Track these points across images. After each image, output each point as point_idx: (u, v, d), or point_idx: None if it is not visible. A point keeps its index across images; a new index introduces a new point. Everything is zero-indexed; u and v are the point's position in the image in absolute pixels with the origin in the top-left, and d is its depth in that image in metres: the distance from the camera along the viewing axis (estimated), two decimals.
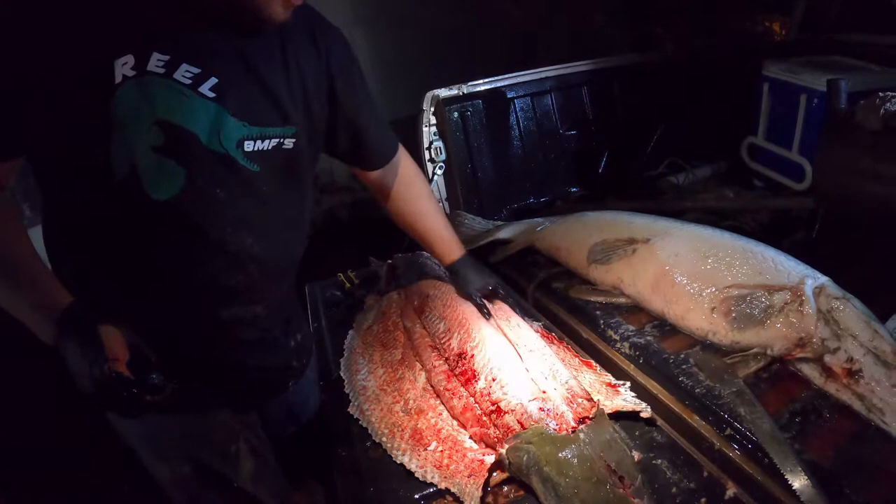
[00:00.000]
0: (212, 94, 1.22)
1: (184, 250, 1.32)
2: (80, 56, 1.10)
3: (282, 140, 1.37)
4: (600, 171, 3.29)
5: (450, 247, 1.92)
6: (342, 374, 1.86)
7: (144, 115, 1.16)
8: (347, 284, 2.50)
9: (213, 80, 1.22)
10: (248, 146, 1.31)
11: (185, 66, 1.18)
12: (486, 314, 1.82)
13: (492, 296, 1.94)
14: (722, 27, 3.85)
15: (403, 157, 1.83)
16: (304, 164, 1.48)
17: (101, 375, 1.13)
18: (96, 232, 1.27)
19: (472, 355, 1.64)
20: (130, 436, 1.49)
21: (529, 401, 1.44)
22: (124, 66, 1.12)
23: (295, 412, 1.91)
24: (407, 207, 1.85)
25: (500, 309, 1.92)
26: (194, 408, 1.47)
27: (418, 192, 1.86)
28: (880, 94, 2.05)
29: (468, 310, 1.85)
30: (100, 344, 1.16)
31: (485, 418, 1.47)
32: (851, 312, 1.60)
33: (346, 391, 1.77)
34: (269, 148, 1.35)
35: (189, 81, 1.19)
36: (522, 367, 1.55)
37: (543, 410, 1.41)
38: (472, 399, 1.54)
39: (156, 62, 1.15)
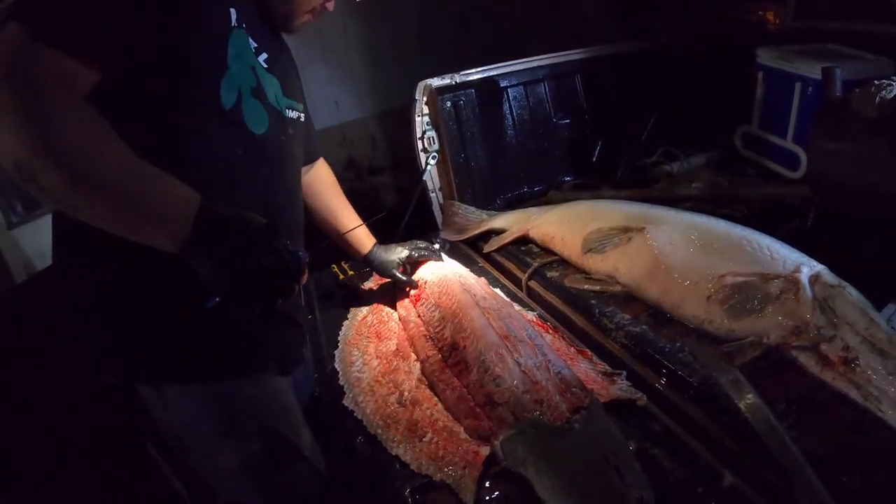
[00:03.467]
0: (266, 66, 1.43)
1: (267, 184, 1.45)
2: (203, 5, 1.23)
3: (301, 115, 1.64)
4: (594, 159, 3.27)
5: (363, 241, 2.13)
6: (336, 366, 1.86)
7: (246, 59, 1.34)
8: (341, 275, 2.50)
9: (266, 55, 1.43)
10: (287, 113, 1.53)
11: (251, 38, 1.37)
12: (412, 286, 2.10)
13: (408, 262, 2.17)
14: (716, 15, 3.83)
15: (324, 164, 2.07)
16: (307, 137, 1.75)
17: (284, 246, 1.21)
18: (193, 162, 1.28)
19: (465, 346, 1.65)
20: (187, 420, 1.42)
21: (522, 392, 1.44)
22: (234, 15, 1.29)
23: (300, 392, 1.76)
24: (323, 203, 2.05)
25: (494, 299, 1.91)
26: (260, 372, 1.48)
27: (334, 192, 2.08)
28: (876, 82, 2.04)
29: (463, 299, 1.84)
30: (265, 224, 1.21)
31: (478, 410, 1.47)
32: (847, 300, 1.60)
33: (341, 383, 1.77)
34: (296, 117, 1.60)
35: (254, 50, 1.39)
36: (514, 359, 1.55)
37: (536, 401, 1.41)
38: (465, 391, 1.54)
39: (244, 25, 1.33)
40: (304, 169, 1.87)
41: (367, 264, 2.17)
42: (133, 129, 1.15)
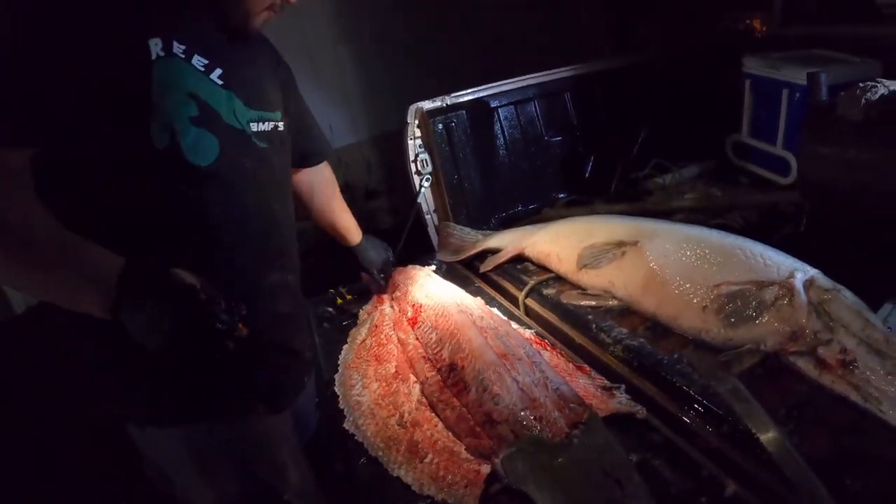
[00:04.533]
0: (220, 82, 1.35)
1: (228, 215, 1.39)
2: (115, 35, 1.19)
3: (276, 123, 1.55)
4: (587, 175, 3.28)
5: (354, 234, 2.31)
6: (336, 389, 1.87)
7: (179, 88, 1.27)
8: (340, 300, 2.51)
9: (220, 70, 1.35)
10: (254, 126, 1.46)
11: (197, 57, 1.31)
12: (381, 288, 2.35)
13: (386, 270, 2.38)
14: (703, 26, 3.87)
15: (327, 164, 2.13)
16: (289, 148, 1.66)
17: (202, 305, 1.16)
18: (137, 209, 1.29)
19: (463, 367, 1.65)
20: (168, 458, 1.46)
21: (521, 409, 1.44)
22: (156, 46, 1.23)
23: (305, 420, 1.82)
24: (325, 204, 2.18)
25: (491, 318, 1.92)
26: (241, 413, 1.46)
27: (335, 192, 2.21)
28: (860, 84, 2.05)
29: (460, 320, 1.85)
30: (186, 282, 1.19)
31: (478, 429, 1.48)
32: (842, 303, 1.60)
33: (342, 407, 1.78)
34: (270, 129, 1.52)
35: (202, 69, 1.32)
36: (512, 377, 1.55)
37: (535, 418, 1.42)
38: (464, 410, 1.55)
39: (178, 49, 1.27)
40: (308, 172, 2.03)
41: (355, 252, 2.35)
42: (73, 189, 1.22)
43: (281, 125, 1.57)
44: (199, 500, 1.47)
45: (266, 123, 1.51)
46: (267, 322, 1.48)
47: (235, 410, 1.45)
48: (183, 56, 1.28)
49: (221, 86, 1.36)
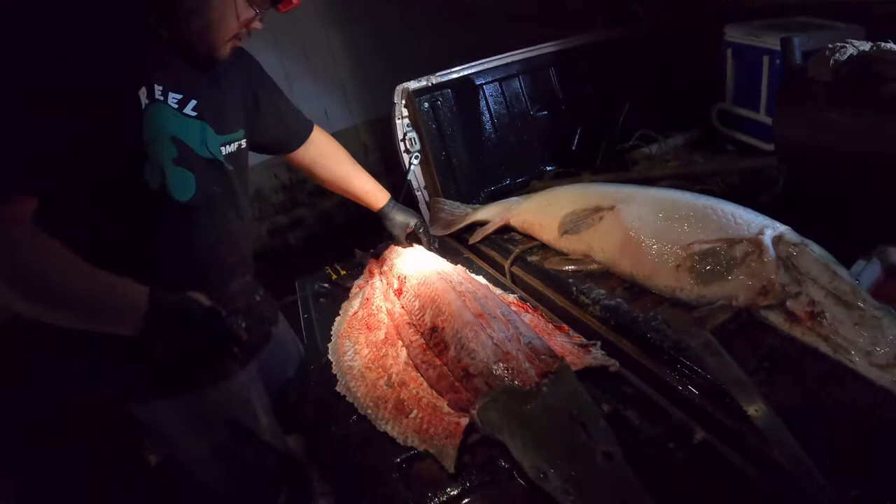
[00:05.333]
0: (194, 113, 1.55)
1: (203, 239, 1.66)
2: (107, 89, 1.34)
3: (240, 142, 1.78)
4: (574, 147, 3.33)
5: (376, 196, 2.38)
6: (330, 357, 1.95)
7: (163, 133, 1.46)
8: (334, 276, 2.58)
9: (194, 102, 1.55)
10: (224, 150, 1.68)
11: (171, 94, 1.48)
12: (408, 245, 2.39)
13: (412, 237, 2.42)
14: None
15: (320, 135, 2.26)
16: (247, 158, 1.87)
17: (227, 320, 1.51)
18: (135, 238, 1.53)
19: (443, 328, 1.72)
20: (171, 424, 1.78)
21: (494, 362, 1.51)
22: (142, 95, 1.40)
23: (282, 364, 2.22)
24: (332, 173, 2.30)
25: (470, 283, 1.99)
26: (221, 378, 1.79)
27: (338, 158, 2.30)
28: (829, 45, 2.09)
29: (440, 286, 1.91)
30: (206, 303, 1.51)
31: (457, 384, 1.55)
32: (809, 257, 1.63)
33: (334, 372, 1.85)
34: (235, 149, 1.74)
35: (176, 106, 1.50)
36: (487, 333, 1.62)
37: (507, 369, 1.48)
38: (445, 368, 1.62)
39: (157, 92, 1.45)
40: (303, 149, 2.19)
41: (381, 216, 2.42)
42: (83, 228, 1.41)
43: (244, 142, 1.80)
44: (195, 453, 1.84)
45: (233, 145, 1.73)
46: (235, 312, 1.64)
47: (217, 378, 1.78)
48: (162, 98, 1.46)
49: (195, 117, 1.56)
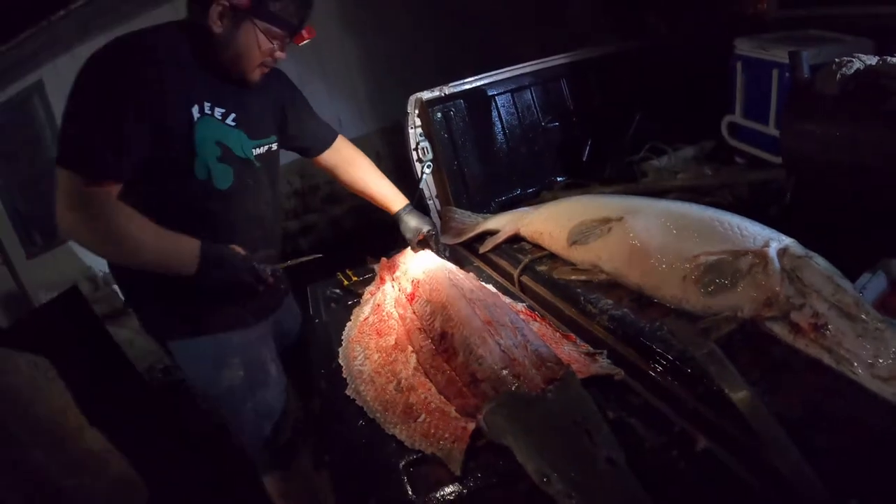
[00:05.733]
0: (233, 123, 1.99)
1: (237, 219, 2.11)
2: (174, 107, 1.82)
3: (271, 145, 2.19)
4: (584, 159, 3.36)
5: (393, 200, 2.58)
6: (340, 361, 2.00)
7: (210, 139, 1.91)
8: (346, 282, 2.62)
9: (233, 115, 1.98)
10: (255, 151, 2.10)
11: (217, 109, 1.93)
12: (418, 249, 2.50)
13: (423, 242, 2.53)
14: (706, 8, 3.86)
15: (344, 143, 2.57)
16: (278, 158, 2.27)
17: (256, 266, 1.99)
18: (188, 216, 1.96)
19: (453, 334, 1.76)
20: (198, 362, 2.17)
21: (501, 368, 1.54)
22: (195, 111, 1.87)
23: (290, 327, 2.61)
24: (353, 177, 2.57)
25: (480, 291, 2.02)
26: (240, 325, 2.18)
27: (359, 164, 2.58)
28: (836, 59, 2.10)
29: (451, 293, 1.95)
30: (244, 253, 2.00)
31: (465, 389, 1.57)
32: (814, 269, 1.64)
33: (344, 376, 1.90)
34: (265, 151, 2.16)
35: (220, 118, 1.94)
36: (495, 340, 1.65)
37: (514, 375, 1.51)
38: (453, 373, 1.65)
39: (206, 108, 1.90)
40: (328, 153, 2.52)
41: (397, 220, 2.57)
42: (152, 206, 1.86)
43: (274, 145, 2.22)
44: (215, 388, 2.17)
45: (263, 147, 2.14)
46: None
47: (238, 325, 2.17)
48: (209, 112, 1.91)
49: (234, 126, 1.99)
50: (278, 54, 1.96)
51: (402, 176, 5.22)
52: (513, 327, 1.73)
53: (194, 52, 1.88)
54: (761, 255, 1.72)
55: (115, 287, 5.43)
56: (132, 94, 1.73)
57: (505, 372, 1.52)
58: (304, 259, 2.28)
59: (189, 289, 1.96)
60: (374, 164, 2.61)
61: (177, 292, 1.99)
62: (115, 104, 1.71)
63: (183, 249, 1.88)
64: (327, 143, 2.52)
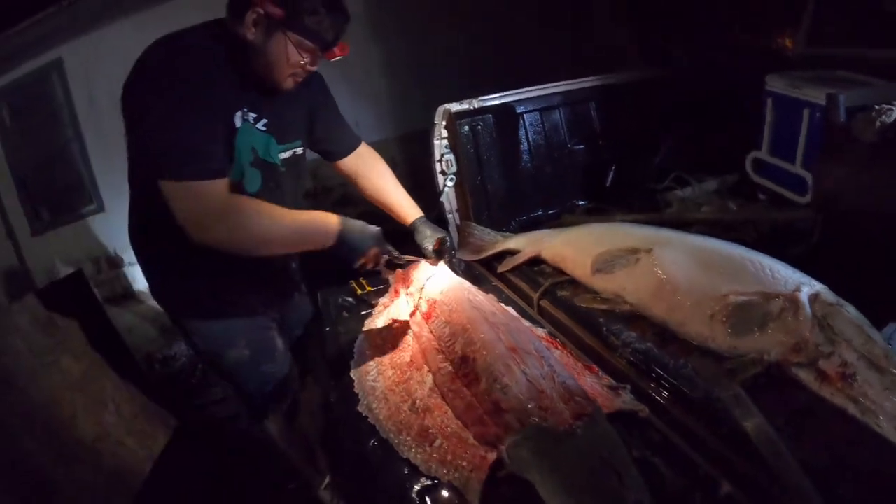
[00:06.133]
0: (264, 129, 2.00)
1: None
2: (223, 115, 1.86)
3: (297, 149, 2.21)
4: (607, 184, 3.34)
5: (408, 210, 2.56)
6: (352, 374, 1.95)
7: (246, 145, 1.95)
8: (359, 291, 2.59)
9: (264, 120, 2.00)
10: (282, 156, 2.11)
11: (251, 114, 1.95)
12: (436, 261, 2.45)
13: (441, 251, 2.48)
14: (732, 41, 3.86)
15: (366, 150, 2.58)
16: (304, 160, 2.30)
17: (383, 246, 2.09)
18: None
19: (474, 358, 1.71)
20: (210, 341, 2.24)
21: (527, 400, 1.50)
22: (238, 117, 1.91)
23: (301, 318, 2.69)
24: (371, 184, 2.56)
25: (502, 314, 1.99)
26: (248, 312, 2.26)
27: (379, 172, 2.57)
28: (876, 107, 2.09)
29: (472, 315, 1.91)
30: (376, 229, 2.08)
31: (486, 417, 1.53)
32: (845, 318, 1.63)
33: (356, 391, 1.86)
34: (290, 155, 2.17)
35: (252, 122, 1.96)
36: (521, 369, 1.61)
37: (541, 408, 1.47)
38: (474, 399, 1.61)
39: (245, 114, 1.93)
40: (349, 159, 2.52)
41: (411, 229, 2.54)
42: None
43: (300, 149, 2.23)
44: (224, 363, 2.26)
45: (289, 152, 2.16)
46: (275, 269, 2.37)
47: (248, 310, 2.26)
48: (248, 119, 1.94)
49: (264, 131, 2.00)
50: (309, 66, 1.94)
51: (417, 185, 5.20)
52: (538, 356, 1.69)
53: (231, 57, 1.87)
54: (792, 300, 1.70)
55: (121, 271, 5.47)
56: (201, 95, 1.76)
57: (532, 404, 1.48)
58: (409, 259, 2.34)
59: (209, 271, 2.06)
60: (392, 174, 2.61)
61: (196, 274, 2.09)
62: (190, 105, 1.73)
63: (325, 224, 1.96)
64: (350, 148, 2.52)
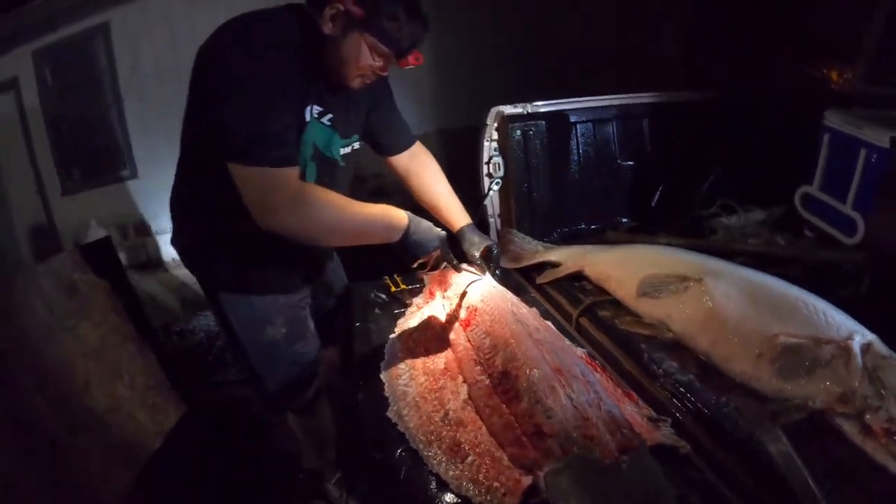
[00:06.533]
0: (328, 123, 2.01)
1: None
2: (299, 107, 1.89)
3: (354, 144, 2.23)
4: (653, 204, 3.30)
5: (457, 216, 2.50)
6: (382, 377, 1.93)
7: (310, 139, 1.97)
8: (393, 288, 2.57)
9: (329, 116, 2.00)
10: (342, 151, 2.14)
11: (317, 108, 1.95)
12: (483, 272, 2.40)
13: (488, 258, 2.44)
14: (785, 71, 3.82)
15: (421, 149, 2.55)
16: (358, 153, 2.29)
17: (445, 250, 2.11)
18: None
19: (517, 376, 1.67)
20: (249, 318, 2.22)
21: (573, 427, 1.46)
22: (308, 112, 1.92)
23: (333, 288, 2.69)
24: (423, 183, 2.51)
25: (546, 332, 1.96)
26: (288, 289, 2.28)
27: (432, 172, 2.53)
28: None
29: (516, 329, 1.87)
30: (441, 231, 2.11)
31: (524, 439, 1.50)
32: None
33: (386, 394, 1.83)
34: (350, 150, 2.20)
35: (318, 116, 1.96)
36: (567, 393, 1.57)
37: (586, 437, 1.43)
38: (512, 419, 1.57)
39: (313, 109, 1.94)
40: (403, 155, 2.49)
41: (458, 236, 2.47)
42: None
43: (357, 144, 2.24)
44: (260, 341, 2.23)
45: (349, 147, 2.18)
46: (315, 251, 2.43)
47: (285, 289, 2.27)
48: (316, 116, 1.95)
49: (328, 126, 2.01)
50: (379, 70, 1.94)
51: (454, 183, 5.22)
52: (584, 380, 1.64)
53: (305, 47, 1.84)
54: (845, 348, 1.67)
55: (148, 239, 5.49)
56: (286, 84, 1.78)
57: (576, 432, 1.44)
58: (466, 268, 2.35)
59: (261, 249, 2.07)
60: (444, 177, 2.56)
61: (247, 251, 2.10)
62: (276, 93, 1.74)
63: (394, 219, 1.98)
64: (404, 146, 2.49)
